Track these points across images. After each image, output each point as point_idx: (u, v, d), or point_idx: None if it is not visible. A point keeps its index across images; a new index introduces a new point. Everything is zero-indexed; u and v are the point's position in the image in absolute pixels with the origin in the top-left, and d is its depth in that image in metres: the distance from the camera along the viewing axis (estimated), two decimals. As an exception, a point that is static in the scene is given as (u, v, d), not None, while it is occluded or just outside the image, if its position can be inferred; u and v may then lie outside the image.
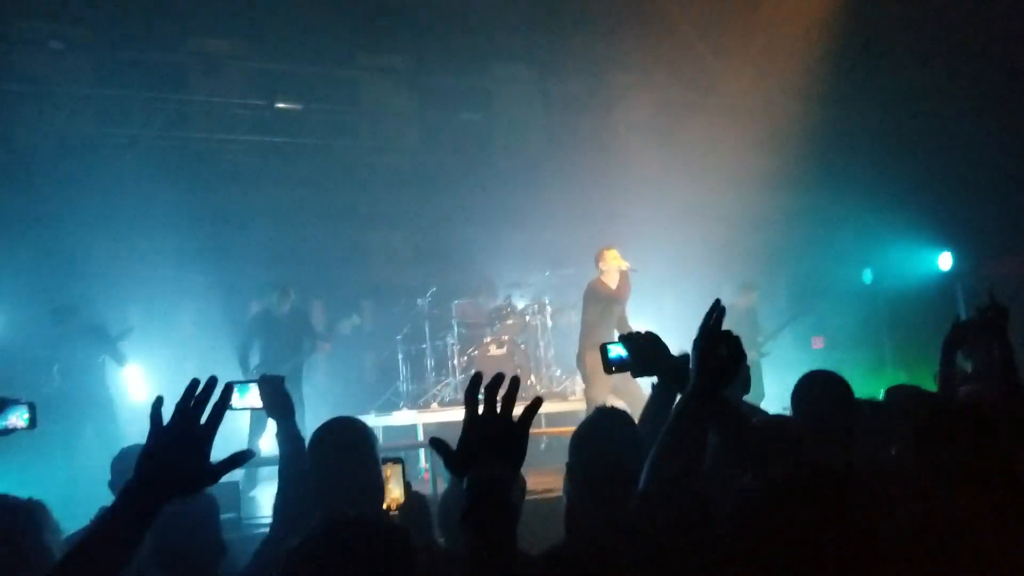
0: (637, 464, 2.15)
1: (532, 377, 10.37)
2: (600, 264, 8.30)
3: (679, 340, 2.64)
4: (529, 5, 11.64)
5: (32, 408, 3.24)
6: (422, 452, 8.90)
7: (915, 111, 12.36)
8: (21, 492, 2.91)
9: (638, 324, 6.89)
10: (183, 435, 1.69)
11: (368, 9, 11.55)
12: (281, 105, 11.60)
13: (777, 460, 2.68)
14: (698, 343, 2.16)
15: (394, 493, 2.92)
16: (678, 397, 2.27)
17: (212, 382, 1.76)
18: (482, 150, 12.64)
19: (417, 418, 9.70)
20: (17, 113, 10.30)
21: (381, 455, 3.00)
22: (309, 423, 5.03)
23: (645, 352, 2.61)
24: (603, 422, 2.82)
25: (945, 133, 12.29)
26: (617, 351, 2.68)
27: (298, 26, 11.41)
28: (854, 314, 13.59)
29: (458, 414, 1.77)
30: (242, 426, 8.43)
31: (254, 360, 9.13)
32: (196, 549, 2.91)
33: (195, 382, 1.75)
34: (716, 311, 2.20)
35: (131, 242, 10.58)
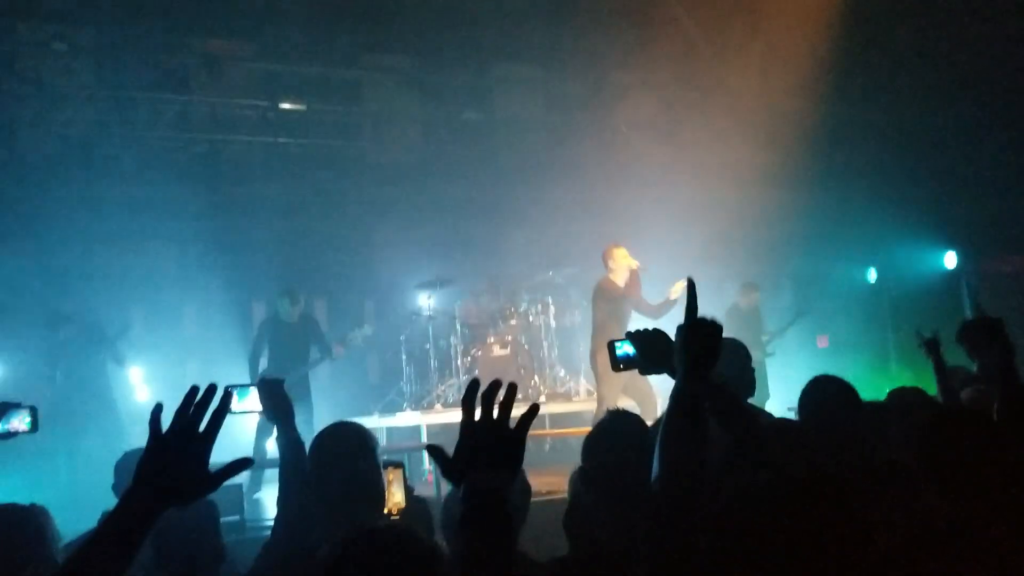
0: (649, 467, 2.15)
1: (535, 377, 10.37)
2: (609, 263, 8.26)
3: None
4: (531, 4, 11.64)
5: (34, 412, 3.25)
6: (426, 454, 8.87)
7: (919, 109, 12.34)
8: (25, 496, 2.92)
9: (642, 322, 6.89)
10: (182, 442, 1.69)
11: (371, 9, 11.54)
12: (284, 105, 11.61)
13: (782, 462, 2.68)
14: (681, 328, 2.16)
15: (395, 497, 2.92)
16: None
17: (211, 389, 1.75)
18: (485, 149, 12.63)
19: (421, 419, 9.70)
20: (21, 114, 10.31)
21: (382, 459, 2.99)
22: (319, 428, 5.00)
23: (653, 349, 2.59)
24: (616, 425, 2.81)
25: (949, 131, 12.28)
26: (625, 348, 2.67)
27: (301, 27, 11.42)
28: (858, 313, 13.59)
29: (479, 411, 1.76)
30: (248, 428, 8.43)
31: (262, 365, 8.88)
32: (196, 554, 2.91)
33: (195, 389, 1.74)
34: (692, 293, 2.19)
35: (134, 242, 10.60)
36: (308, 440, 3.06)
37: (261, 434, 8.30)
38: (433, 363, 10.62)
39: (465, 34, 11.89)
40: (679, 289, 8.15)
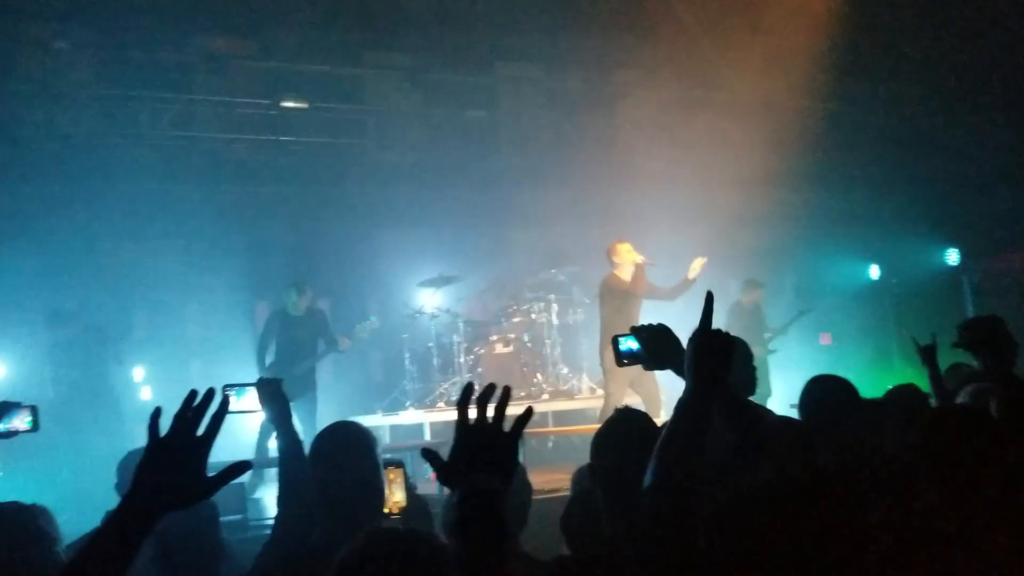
0: None
1: (538, 375, 10.37)
2: (614, 258, 8.31)
3: (685, 337, 2.63)
4: (534, 3, 11.62)
5: (34, 411, 3.26)
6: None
7: (921, 107, 12.33)
8: (28, 496, 2.93)
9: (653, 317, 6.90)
10: (180, 447, 1.69)
11: (373, 8, 11.54)
12: (287, 104, 11.60)
13: (782, 461, 2.68)
14: (693, 339, 2.15)
15: (396, 496, 2.91)
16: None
17: (210, 393, 1.75)
18: (487, 147, 12.64)
19: (424, 417, 9.70)
20: (22, 114, 10.30)
21: (383, 458, 2.99)
22: (321, 426, 5.00)
23: (657, 345, 2.59)
24: (625, 423, 2.81)
25: (952, 129, 12.26)
26: (629, 344, 2.67)
27: (303, 25, 11.41)
28: (861, 310, 13.60)
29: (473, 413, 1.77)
30: (251, 428, 8.44)
31: (269, 359, 8.95)
32: (196, 554, 2.91)
33: (193, 392, 1.74)
34: (709, 306, 2.19)
35: (136, 242, 10.60)
36: (310, 434, 3.05)
37: (264, 433, 8.31)
38: (436, 361, 10.62)
39: (468, 33, 11.89)
40: (697, 267, 8.24)
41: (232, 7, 11.00)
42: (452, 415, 9.34)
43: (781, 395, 9.46)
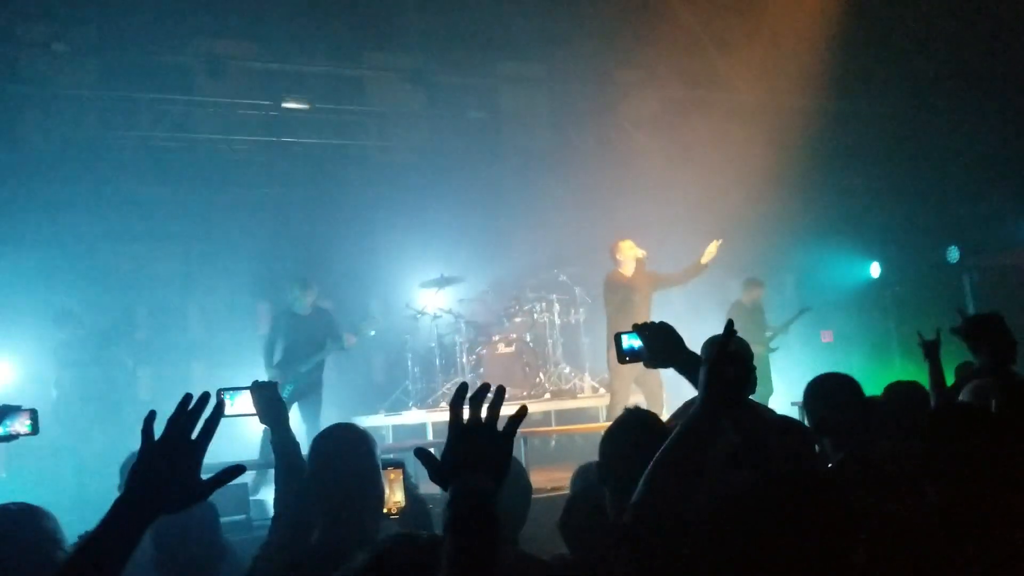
0: None
1: (540, 375, 10.39)
2: (616, 255, 8.41)
3: (686, 336, 2.64)
4: (535, 3, 11.62)
5: (34, 415, 3.27)
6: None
7: (922, 106, 12.32)
8: (32, 497, 2.93)
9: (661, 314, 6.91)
10: (174, 450, 1.69)
11: (374, 7, 11.54)
12: (287, 105, 11.59)
13: (782, 461, 2.68)
14: (709, 363, 2.15)
15: (396, 497, 2.92)
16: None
17: (205, 397, 1.76)
18: (489, 147, 12.63)
19: (426, 417, 9.72)
20: (22, 115, 10.31)
21: (382, 459, 2.99)
22: (324, 424, 4.98)
23: (658, 342, 2.60)
24: (633, 423, 2.82)
25: (952, 126, 12.25)
26: (630, 341, 2.68)
27: (304, 26, 11.39)
28: (862, 308, 13.59)
29: (467, 413, 1.78)
30: (252, 427, 8.43)
31: (276, 358, 8.91)
32: (196, 554, 2.92)
33: (188, 396, 1.75)
34: (729, 334, 2.19)
35: (138, 243, 10.61)
36: (314, 434, 3.04)
37: (267, 434, 8.29)
38: (438, 362, 10.64)
39: (469, 32, 11.88)
40: (713, 251, 8.42)
41: (232, 8, 11.00)
42: (453, 415, 9.41)
43: (783, 393, 9.48)
